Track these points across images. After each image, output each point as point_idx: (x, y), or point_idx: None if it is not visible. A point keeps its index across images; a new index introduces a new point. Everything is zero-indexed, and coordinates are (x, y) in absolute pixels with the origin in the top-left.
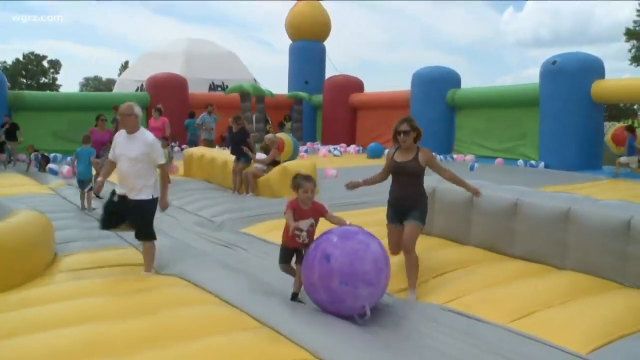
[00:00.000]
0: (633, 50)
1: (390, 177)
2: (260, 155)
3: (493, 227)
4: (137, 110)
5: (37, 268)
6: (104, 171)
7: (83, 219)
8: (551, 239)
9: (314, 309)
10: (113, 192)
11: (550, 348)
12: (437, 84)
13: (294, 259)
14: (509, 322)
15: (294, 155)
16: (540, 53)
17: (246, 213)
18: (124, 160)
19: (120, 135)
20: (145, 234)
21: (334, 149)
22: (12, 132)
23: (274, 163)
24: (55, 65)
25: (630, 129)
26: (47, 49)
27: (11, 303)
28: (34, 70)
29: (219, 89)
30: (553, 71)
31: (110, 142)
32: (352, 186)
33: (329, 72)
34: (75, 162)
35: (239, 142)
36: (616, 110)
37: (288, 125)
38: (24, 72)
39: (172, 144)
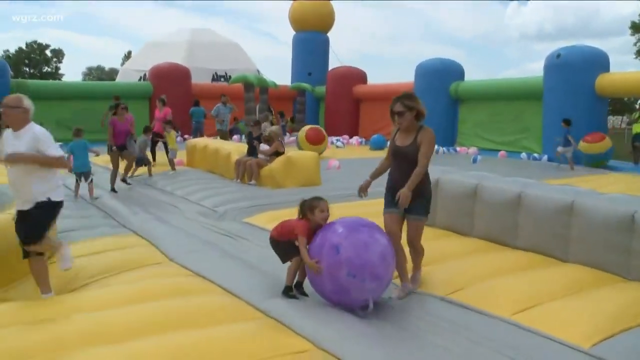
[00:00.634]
0: (638, 44)
1: None
2: (263, 147)
3: (496, 219)
4: (27, 103)
5: None
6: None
7: (82, 208)
8: (554, 231)
9: (316, 301)
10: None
11: (552, 342)
12: (440, 76)
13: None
14: (511, 315)
15: None
16: (544, 47)
17: (248, 203)
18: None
19: (6, 134)
20: (26, 238)
21: (337, 140)
22: None
23: (277, 154)
24: (58, 54)
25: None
26: (50, 38)
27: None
28: (36, 59)
29: (222, 79)
30: (557, 64)
31: (132, 133)
32: (363, 190)
33: (332, 64)
34: (72, 157)
35: (257, 146)
36: (620, 104)
37: (292, 125)
38: (26, 61)
39: (175, 133)
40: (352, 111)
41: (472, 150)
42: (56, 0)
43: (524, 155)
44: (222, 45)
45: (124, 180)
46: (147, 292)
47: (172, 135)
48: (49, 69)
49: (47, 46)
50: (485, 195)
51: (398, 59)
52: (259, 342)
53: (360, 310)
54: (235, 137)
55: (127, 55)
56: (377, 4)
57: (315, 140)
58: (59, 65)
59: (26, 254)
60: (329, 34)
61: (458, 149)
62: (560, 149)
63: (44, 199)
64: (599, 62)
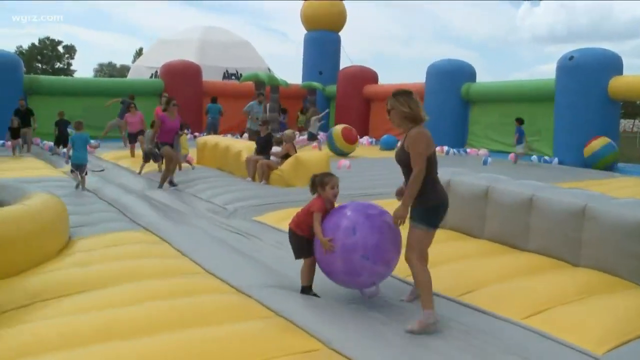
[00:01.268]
0: None
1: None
2: (275, 149)
3: (508, 222)
4: None
5: (52, 251)
6: None
7: (91, 203)
8: (566, 235)
9: (327, 301)
10: None
11: (564, 347)
12: (452, 77)
13: None
14: (522, 318)
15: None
16: (555, 49)
17: (259, 201)
18: None
19: None
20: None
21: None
22: (26, 118)
23: (287, 156)
24: (70, 50)
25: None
26: (63, 34)
27: (22, 288)
28: (49, 55)
29: (233, 77)
30: (570, 67)
31: (181, 129)
32: (398, 194)
33: (344, 63)
34: (71, 148)
35: (265, 146)
36: (632, 107)
37: (302, 118)
38: (39, 57)
39: (185, 131)
40: (363, 111)
41: (483, 151)
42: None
43: (534, 157)
44: (234, 44)
45: (171, 182)
46: (157, 289)
47: (185, 139)
48: (61, 65)
49: (59, 42)
50: (497, 197)
51: (409, 60)
52: (268, 341)
53: (367, 293)
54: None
55: (139, 52)
56: (389, 4)
57: (350, 139)
58: (70, 61)
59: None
60: (340, 33)
61: (468, 150)
62: (517, 148)
63: None
64: (612, 64)
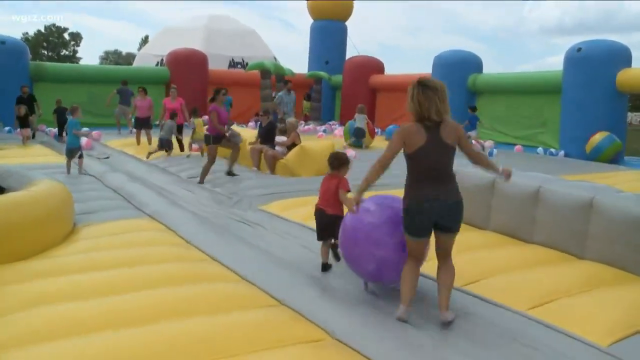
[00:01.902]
0: None
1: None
2: (280, 138)
3: (514, 214)
4: None
5: (57, 238)
6: None
7: (97, 189)
8: (572, 228)
9: (331, 291)
10: None
11: (570, 338)
12: (458, 68)
13: None
14: (527, 309)
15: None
16: (563, 41)
17: (264, 190)
18: None
19: None
20: None
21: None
22: (29, 104)
23: (293, 146)
24: (76, 37)
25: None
26: (69, 21)
27: (28, 273)
28: (55, 42)
29: (239, 66)
30: (578, 59)
31: (150, 116)
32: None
33: (350, 53)
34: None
35: (266, 136)
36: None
37: (307, 105)
38: (45, 44)
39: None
40: (369, 101)
41: (489, 143)
42: None
43: (540, 150)
44: (240, 32)
45: (230, 172)
46: (163, 275)
47: (200, 123)
48: (67, 52)
49: (65, 29)
50: (503, 189)
51: (416, 50)
52: (273, 330)
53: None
54: (251, 124)
55: (145, 40)
56: None
57: (370, 133)
58: (76, 48)
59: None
60: (347, 23)
61: (474, 142)
62: (470, 133)
63: None
64: (620, 56)
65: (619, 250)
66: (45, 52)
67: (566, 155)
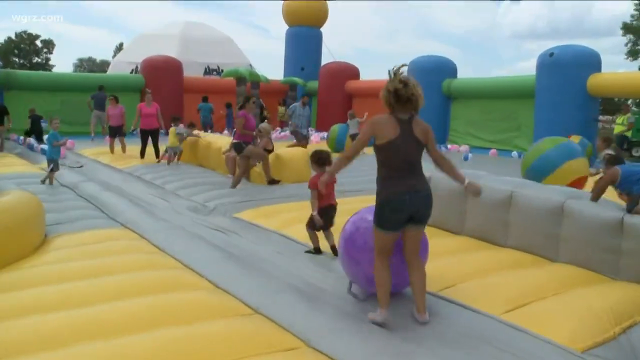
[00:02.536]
0: (629, 45)
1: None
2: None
3: (487, 218)
4: None
5: (27, 249)
6: None
7: (69, 200)
8: (545, 231)
9: (307, 299)
10: None
11: (544, 342)
12: (433, 73)
13: None
14: (502, 313)
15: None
16: (536, 45)
17: (239, 198)
18: None
19: None
20: None
21: (328, 135)
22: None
23: (265, 151)
24: (49, 45)
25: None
26: (41, 28)
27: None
28: (26, 49)
29: (215, 73)
30: (550, 63)
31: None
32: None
33: (325, 59)
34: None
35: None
36: (610, 104)
37: (281, 110)
38: (16, 51)
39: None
40: (345, 106)
41: (464, 148)
42: None
43: (514, 153)
44: (215, 39)
45: (272, 180)
46: (136, 285)
47: (173, 132)
48: (39, 60)
49: (37, 36)
50: None
51: (391, 55)
52: (248, 339)
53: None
54: (225, 131)
55: (119, 47)
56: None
57: None
58: (49, 56)
59: None
60: (322, 29)
61: (449, 146)
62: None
63: None
64: (591, 61)
65: (590, 253)
66: (17, 60)
67: None
